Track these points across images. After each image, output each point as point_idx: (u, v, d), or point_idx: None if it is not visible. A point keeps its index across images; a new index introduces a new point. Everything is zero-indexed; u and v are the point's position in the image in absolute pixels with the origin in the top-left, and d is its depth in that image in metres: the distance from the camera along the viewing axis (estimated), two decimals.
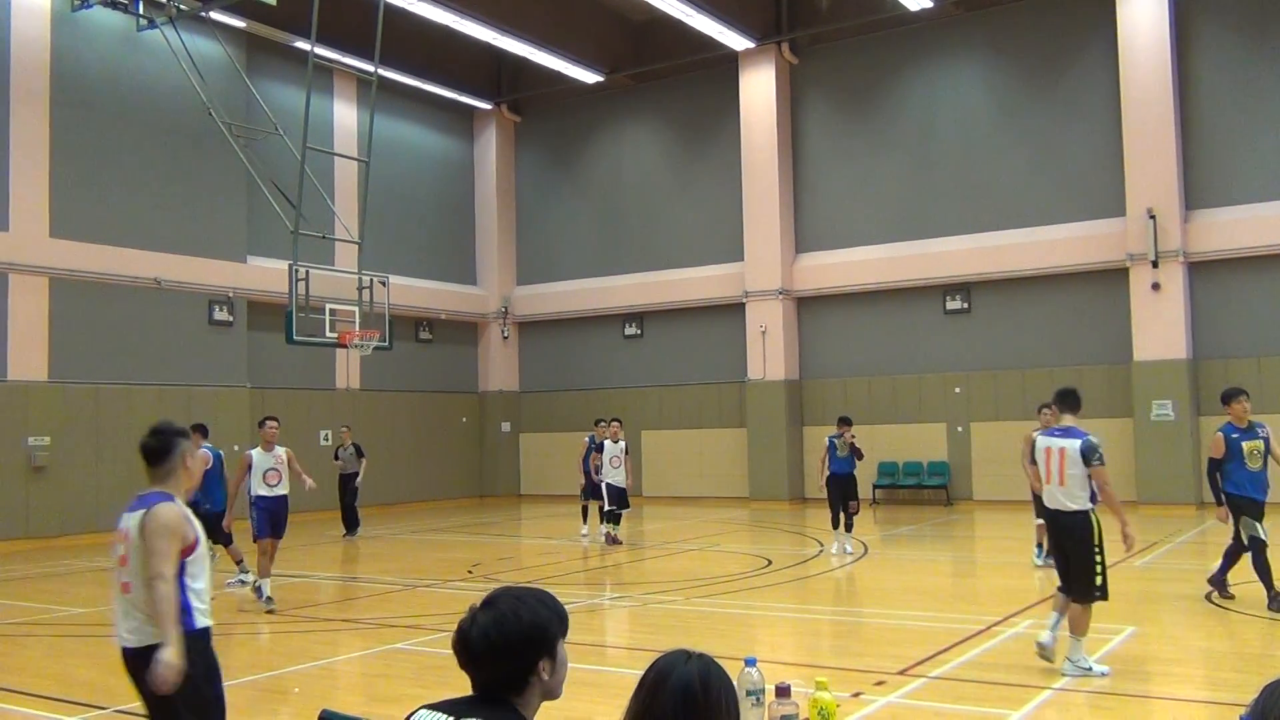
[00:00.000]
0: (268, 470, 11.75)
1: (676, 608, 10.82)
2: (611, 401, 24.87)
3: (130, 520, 4.39)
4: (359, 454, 19.41)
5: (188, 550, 4.34)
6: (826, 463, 14.88)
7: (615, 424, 17.07)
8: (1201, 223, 19.73)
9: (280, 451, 11.86)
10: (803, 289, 23.64)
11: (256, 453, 11.81)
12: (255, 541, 11.71)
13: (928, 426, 22.28)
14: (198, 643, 4.32)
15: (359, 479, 19.26)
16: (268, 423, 12.01)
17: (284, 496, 11.80)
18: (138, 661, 4.31)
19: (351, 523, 19.17)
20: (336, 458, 19.60)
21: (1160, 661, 8.18)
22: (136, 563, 4.32)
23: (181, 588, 4.31)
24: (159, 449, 4.54)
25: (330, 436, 23.52)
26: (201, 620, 4.37)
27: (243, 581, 12.79)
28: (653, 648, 8.79)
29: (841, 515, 14.75)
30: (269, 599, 11.27)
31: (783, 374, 23.31)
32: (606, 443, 16.64)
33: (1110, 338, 20.48)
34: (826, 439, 15.19)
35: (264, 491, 11.69)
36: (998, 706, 6.72)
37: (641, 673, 2.29)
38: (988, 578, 13.50)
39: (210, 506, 12.41)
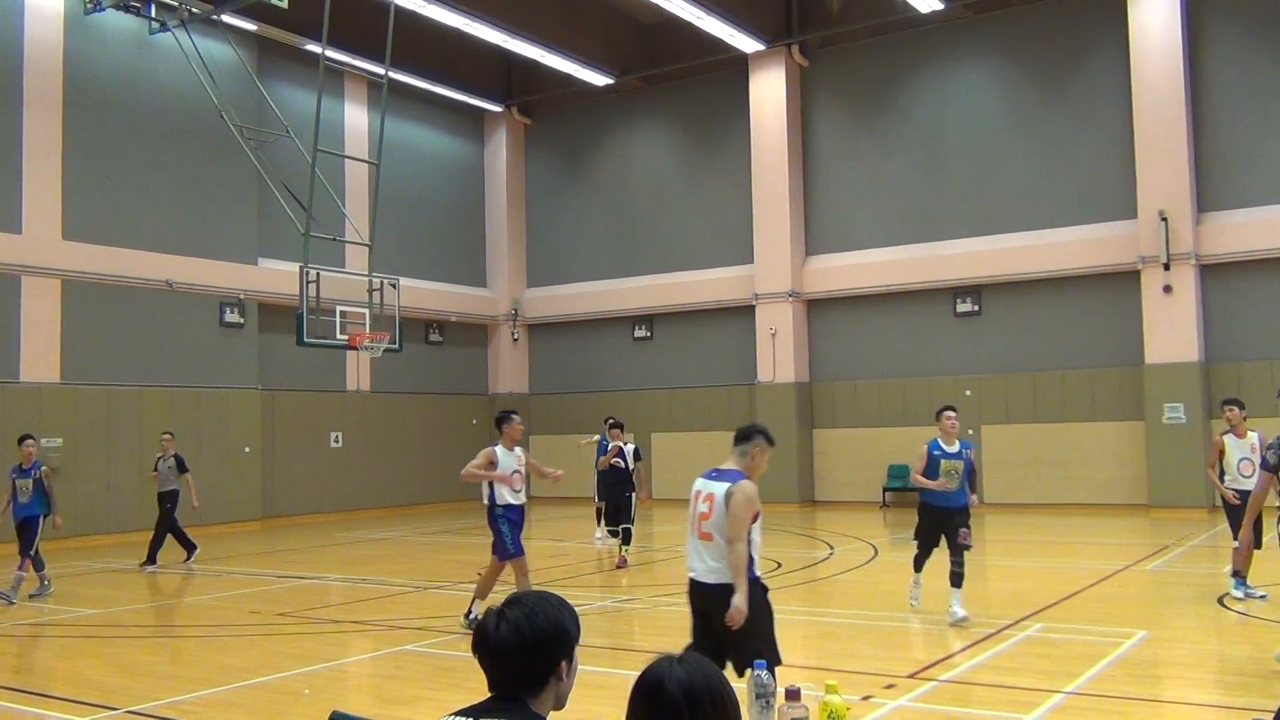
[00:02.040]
0: (514, 472, 9.90)
1: (685, 610, 10.80)
2: (621, 404, 24.86)
3: (715, 487, 5.69)
4: (180, 468, 15.55)
5: (755, 517, 5.67)
6: (920, 480, 10.06)
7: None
8: (1214, 225, 19.65)
9: (520, 452, 10.08)
10: (813, 291, 23.61)
11: (501, 450, 9.87)
12: (505, 561, 9.81)
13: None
14: (757, 587, 5.66)
15: (190, 497, 15.48)
16: (513, 417, 10.10)
17: (523, 505, 10.05)
18: (709, 593, 5.69)
19: (188, 545, 15.53)
20: (156, 472, 15.86)
21: (1172, 665, 8.14)
22: (720, 521, 5.60)
23: (750, 545, 5.63)
24: (745, 435, 5.90)
25: (342, 438, 23.59)
26: (757, 571, 5.71)
27: (8, 599, 11.63)
28: (662, 650, 8.77)
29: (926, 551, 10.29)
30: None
31: (793, 376, 23.29)
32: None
33: (1122, 340, 20.40)
34: (924, 446, 10.16)
35: (511, 499, 9.84)
36: (1009, 710, 6.70)
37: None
38: (998, 581, 13.45)
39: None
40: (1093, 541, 16.49)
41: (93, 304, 18.97)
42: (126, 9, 19.03)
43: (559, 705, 2.49)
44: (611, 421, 15.68)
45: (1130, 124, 20.16)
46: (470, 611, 9.87)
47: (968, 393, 21.93)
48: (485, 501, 9.92)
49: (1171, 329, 19.60)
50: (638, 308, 25.89)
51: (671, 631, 9.14)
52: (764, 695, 4.42)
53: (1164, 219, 19.47)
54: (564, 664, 2.44)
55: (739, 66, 24.19)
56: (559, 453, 26.43)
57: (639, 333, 26.18)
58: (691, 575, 5.80)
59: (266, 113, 20.46)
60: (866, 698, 6.96)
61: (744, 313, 24.26)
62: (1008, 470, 21.36)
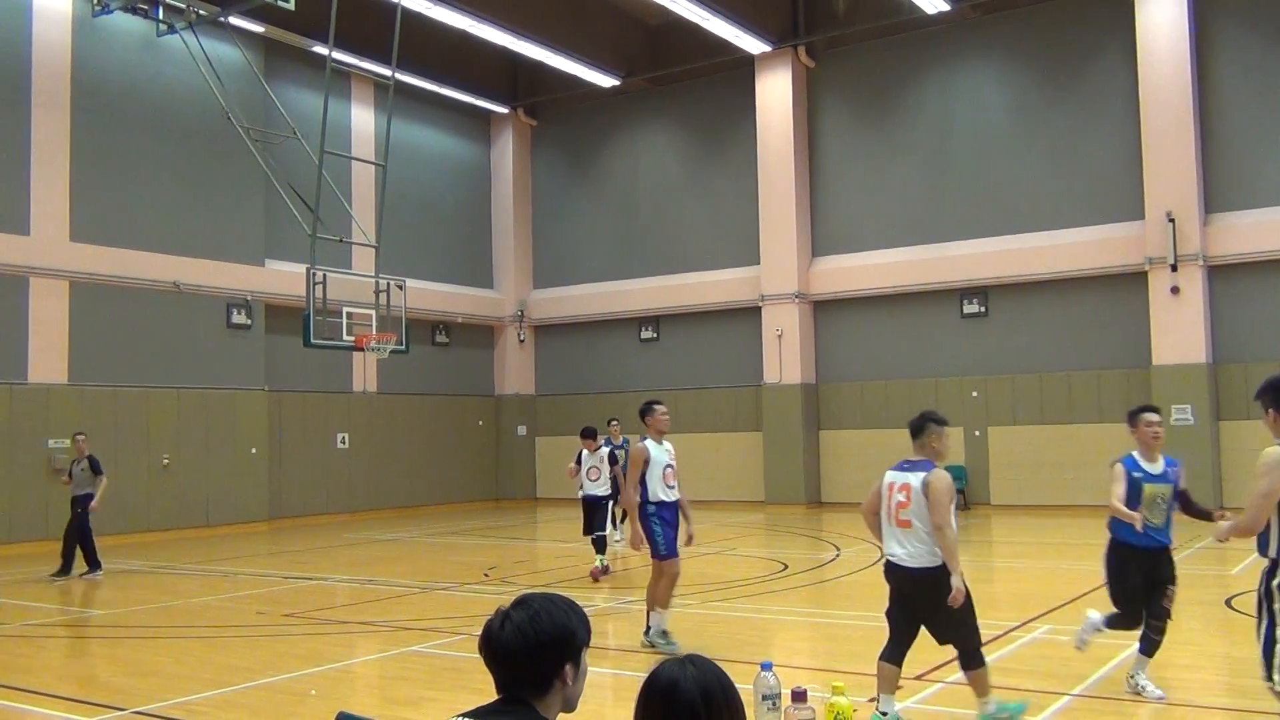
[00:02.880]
0: (666, 467, 9.06)
1: (692, 611, 10.80)
2: (627, 405, 24.78)
3: (910, 477, 6.21)
4: (95, 470, 14.61)
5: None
6: (1121, 510, 7.09)
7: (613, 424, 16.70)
8: (1221, 226, 19.60)
9: (670, 445, 9.24)
10: (819, 292, 23.59)
11: (651, 444, 9.05)
12: (662, 560, 8.92)
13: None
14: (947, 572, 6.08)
15: (94, 502, 14.55)
16: (655, 408, 9.23)
17: (677, 503, 9.20)
18: (908, 576, 6.23)
19: (81, 558, 14.50)
20: (70, 476, 14.83)
21: (1179, 667, 8.11)
22: (920, 509, 6.10)
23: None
24: (918, 428, 6.38)
25: (348, 439, 23.62)
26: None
27: None
28: (668, 652, 8.78)
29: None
30: (665, 634, 8.79)
31: (799, 378, 23.27)
32: (584, 452, 14.59)
33: (1129, 342, 20.36)
34: (1119, 463, 7.43)
35: (665, 496, 9.00)
36: None
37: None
38: (1005, 582, 13.43)
39: None
40: (1100, 543, 16.38)
41: (100, 305, 19.03)
42: (134, 11, 19.08)
43: (567, 708, 2.49)
44: (586, 429, 14.96)
45: (1137, 125, 20.12)
46: (649, 627, 8.94)
47: (974, 394, 21.91)
48: (637, 499, 9.07)
49: (1179, 330, 19.55)
50: (644, 309, 25.89)
51: (676, 633, 9.13)
52: (770, 696, 4.42)
53: (1171, 220, 19.42)
54: (569, 668, 2.43)
55: (745, 68, 24.18)
56: (565, 455, 26.47)
57: (645, 334, 26.18)
58: (891, 559, 6.34)
59: (273, 114, 20.50)
60: (873, 699, 6.95)
61: (750, 314, 24.25)
62: (1014, 472, 21.33)
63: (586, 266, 27.04)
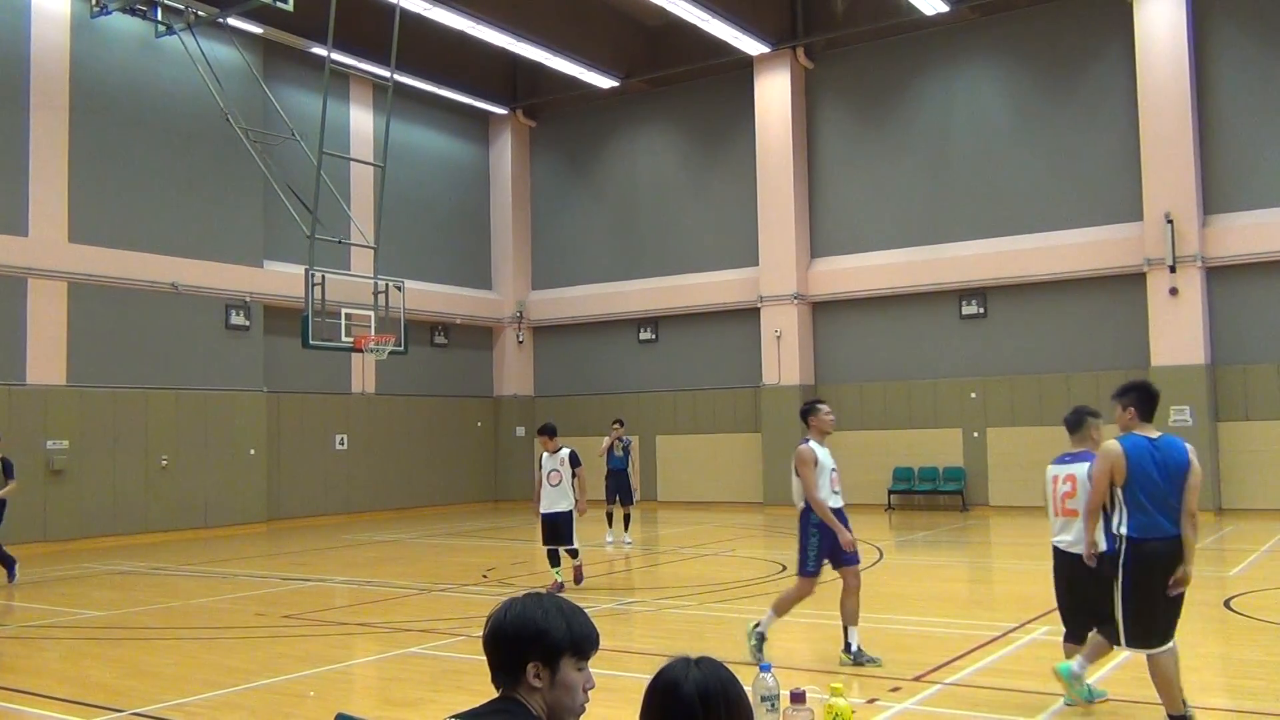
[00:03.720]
0: (832, 471, 8.27)
1: (691, 612, 10.80)
2: (626, 406, 24.86)
3: (1074, 469, 6.70)
4: (7, 474, 13.78)
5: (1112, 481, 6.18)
6: None
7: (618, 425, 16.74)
8: (1220, 227, 19.62)
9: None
10: (818, 294, 23.60)
11: (816, 446, 8.24)
12: (805, 578, 8.28)
13: (943, 432, 22.20)
14: (1114, 558, 6.18)
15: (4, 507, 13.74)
16: (819, 407, 8.44)
17: (842, 509, 8.40)
18: (1072, 560, 6.53)
19: (8, 562, 14.06)
20: None
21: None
22: (1083, 496, 6.40)
23: (1100, 515, 6.29)
24: (1076, 423, 6.91)
25: (347, 440, 23.61)
26: (1113, 543, 6.22)
27: None
28: (668, 653, 8.76)
29: None
30: (862, 653, 8.15)
31: (798, 379, 23.27)
32: (544, 454, 12.87)
33: (1127, 343, 20.37)
34: None
35: (835, 502, 8.22)
36: (1014, 714, 6.69)
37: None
38: (1004, 584, 13.43)
39: None
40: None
41: (99, 306, 19.02)
42: (133, 12, 19.07)
43: (555, 715, 2.44)
44: (541, 424, 13.61)
45: (1136, 126, 20.14)
46: (759, 624, 8.32)
47: (973, 395, 21.92)
48: (799, 504, 8.31)
49: (1177, 332, 19.56)
50: (643, 310, 25.89)
51: (675, 634, 9.13)
52: (769, 698, 4.42)
53: (1170, 221, 19.44)
54: (537, 667, 2.39)
55: (744, 69, 24.19)
56: None
57: (644, 335, 26.18)
58: (1058, 545, 6.74)
59: (272, 115, 20.50)
60: (872, 700, 6.96)
61: (749, 315, 24.25)
62: (1014, 472, 21.31)
63: (585, 267, 27.04)
